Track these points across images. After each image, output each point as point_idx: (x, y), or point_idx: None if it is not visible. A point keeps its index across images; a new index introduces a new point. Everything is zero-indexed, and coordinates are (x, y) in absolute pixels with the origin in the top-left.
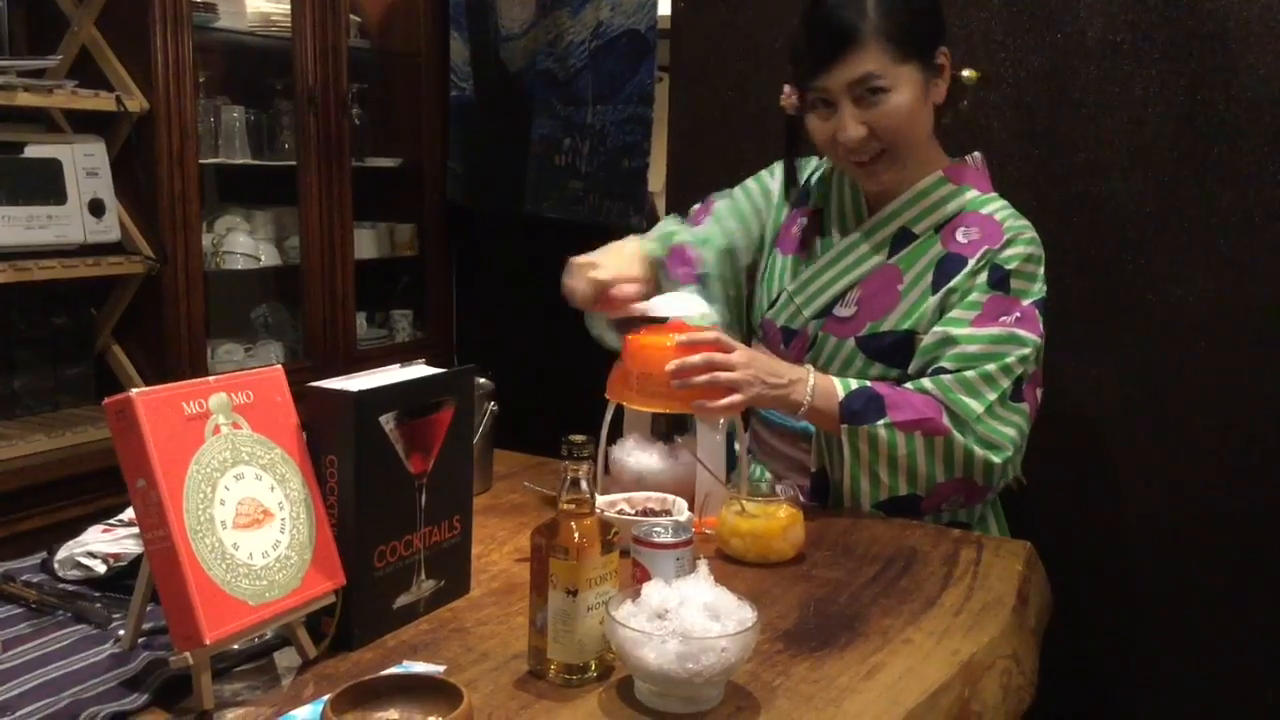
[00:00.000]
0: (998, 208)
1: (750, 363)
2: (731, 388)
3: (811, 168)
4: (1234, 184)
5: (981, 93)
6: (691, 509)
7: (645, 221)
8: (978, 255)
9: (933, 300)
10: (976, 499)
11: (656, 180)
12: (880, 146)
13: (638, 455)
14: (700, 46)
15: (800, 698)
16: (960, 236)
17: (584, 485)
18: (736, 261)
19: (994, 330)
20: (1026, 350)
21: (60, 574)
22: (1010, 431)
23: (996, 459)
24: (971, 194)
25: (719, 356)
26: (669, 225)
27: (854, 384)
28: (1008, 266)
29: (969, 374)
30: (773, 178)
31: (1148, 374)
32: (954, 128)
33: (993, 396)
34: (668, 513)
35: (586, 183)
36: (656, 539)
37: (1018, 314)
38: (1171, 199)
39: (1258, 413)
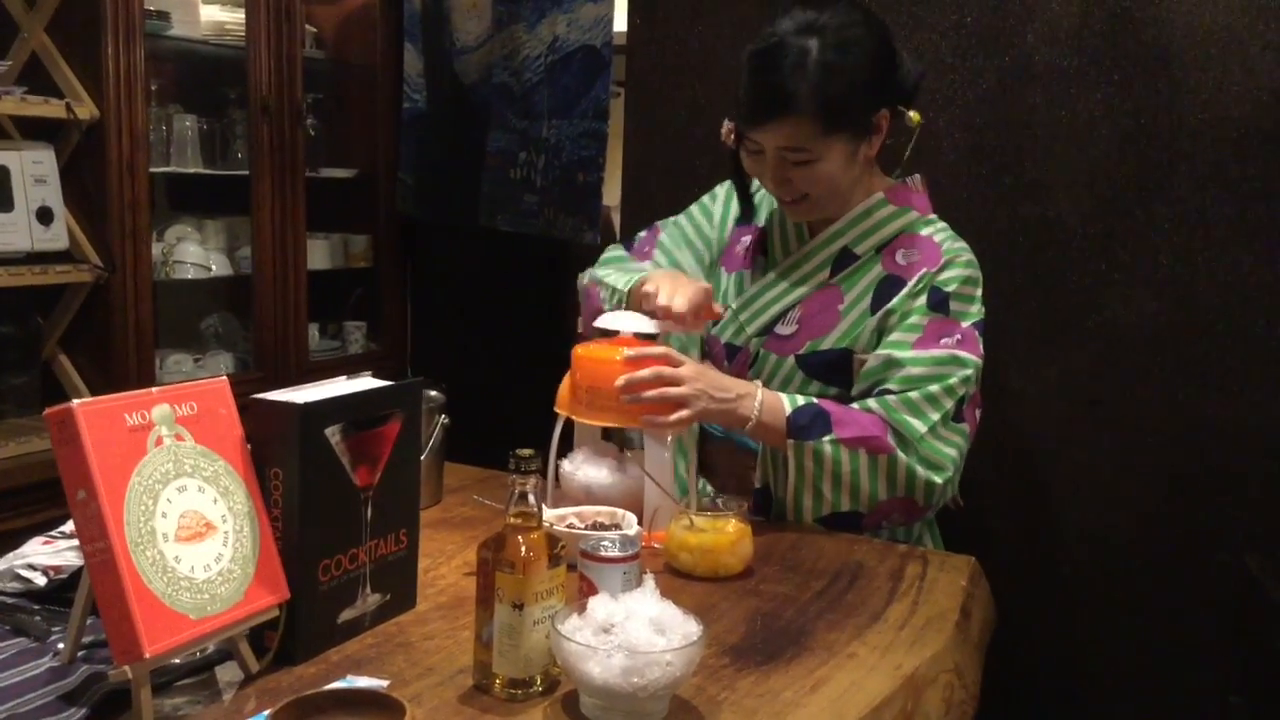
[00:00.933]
0: (936, 229)
1: (698, 377)
2: (680, 402)
3: (756, 186)
4: (1176, 204)
5: (932, 113)
6: (640, 523)
7: (599, 236)
8: (916, 277)
9: (871, 321)
10: (915, 517)
11: (612, 195)
12: (803, 194)
13: (586, 469)
14: (655, 63)
15: (745, 711)
16: (900, 259)
17: (531, 499)
18: None
19: (936, 353)
20: (968, 371)
21: None
22: (951, 452)
23: (938, 479)
24: (912, 215)
25: (667, 371)
26: (615, 253)
27: (801, 400)
28: (947, 289)
29: (913, 395)
30: (714, 201)
31: (1091, 391)
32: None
33: (935, 417)
34: (617, 527)
35: (542, 197)
36: (603, 553)
37: (958, 336)
38: (1116, 219)
39: (1198, 429)
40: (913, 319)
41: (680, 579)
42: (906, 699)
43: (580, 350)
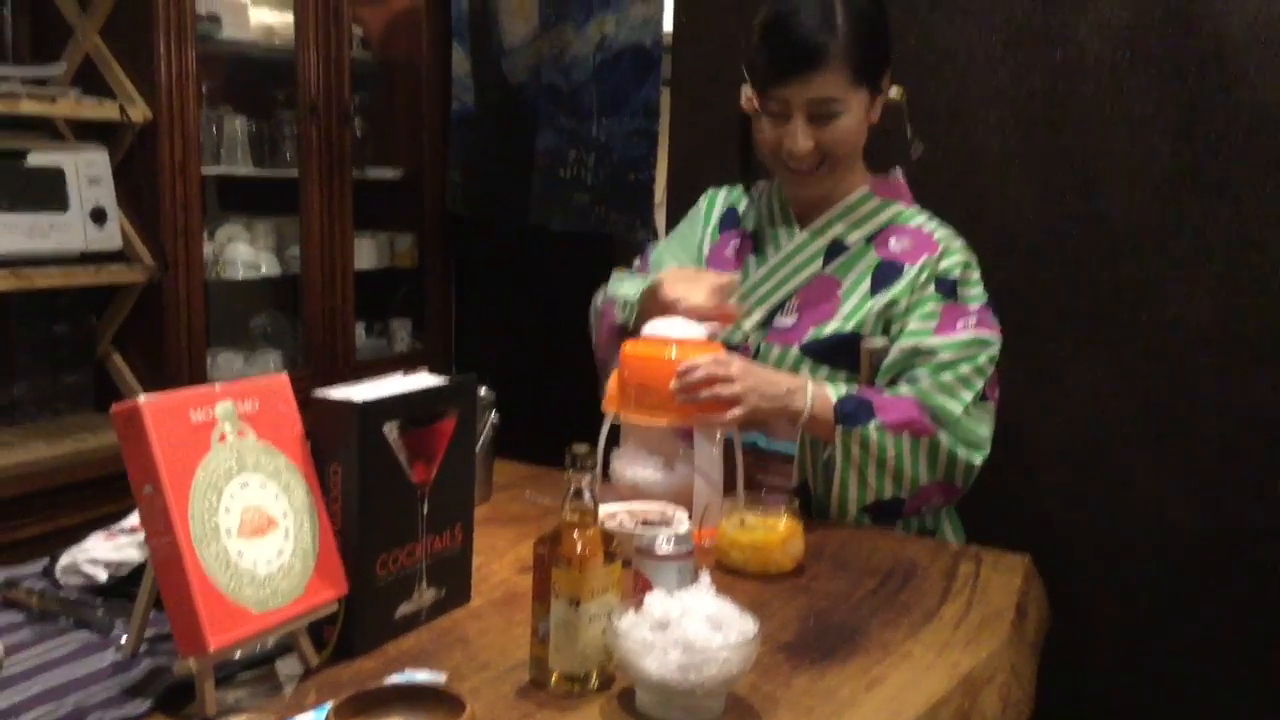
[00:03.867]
0: (924, 220)
1: (748, 375)
2: (732, 400)
3: (734, 197)
4: (1230, 200)
5: (981, 109)
6: (689, 520)
7: (651, 234)
8: (919, 264)
9: (873, 304)
10: (951, 499)
11: (658, 192)
12: (821, 158)
13: (635, 467)
14: (702, 61)
15: (801, 709)
16: (893, 245)
17: (587, 496)
18: None
19: (960, 336)
20: (994, 350)
21: (62, 581)
22: (986, 431)
23: (977, 459)
24: (898, 208)
25: (719, 370)
26: (620, 275)
27: (843, 388)
28: (952, 275)
29: (945, 377)
30: (696, 211)
31: (1143, 389)
32: (950, 144)
33: (969, 397)
34: (667, 524)
35: (593, 195)
36: (659, 550)
37: (974, 318)
38: (1168, 215)
39: (1253, 426)
40: (927, 307)
41: (731, 576)
42: (964, 698)
43: (629, 348)
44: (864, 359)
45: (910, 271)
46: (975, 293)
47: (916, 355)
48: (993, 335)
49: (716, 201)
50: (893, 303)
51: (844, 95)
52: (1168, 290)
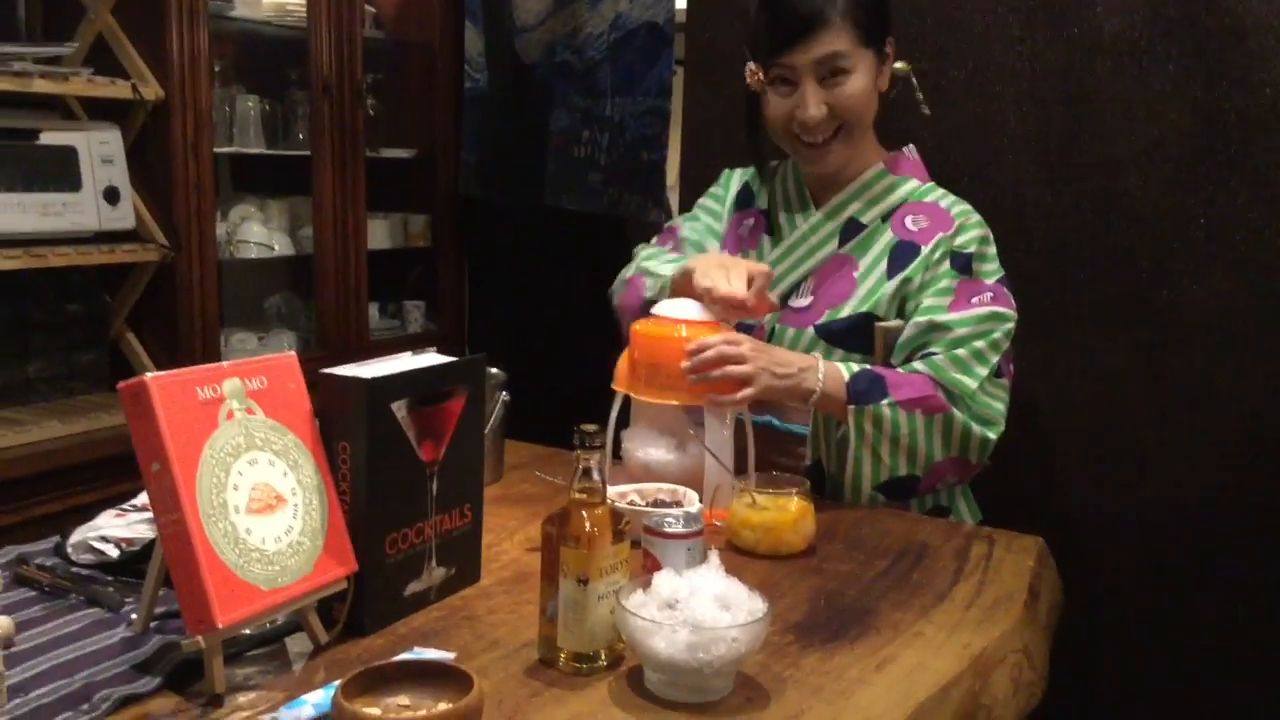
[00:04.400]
0: (939, 195)
1: (760, 354)
2: (744, 380)
3: (749, 176)
4: (1250, 181)
5: (999, 86)
6: (701, 500)
7: (664, 214)
8: (933, 243)
9: (888, 286)
10: (967, 476)
11: (670, 173)
12: (836, 125)
13: (646, 446)
14: (715, 40)
15: (810, 689)
16: (910, 224)
17: (595, 475)
18: None
19: (975, 311)
20: (1009, 325)
21: (73, 558)
22: (1000, 406)
23: (992, 434)
24: (913, 184)
25: (730, 350)
26: (651, 249)
27: (855, 366)
28: (967, 250)
29: (959, 352)
30: (719, 187)
31: (1161, 371)
32: (967, 122)
33: (984, 372)
34: (678, 504)
35: (606, 175)
36: (668, 529)
37: (989, 293)
38: (1187, 196)
39: (1271, 409)
40: (942, 284)
41: (742, 557)
42: (974, 679)
43: (639, 327)
44: (879, 340)
45: (925, 250)
46: (991, 268)
47: (931, 331)
48: (1008, 310)
49: (733, 181)
50: (907, 280)
51: (850, 51)
52: (1186, 270)
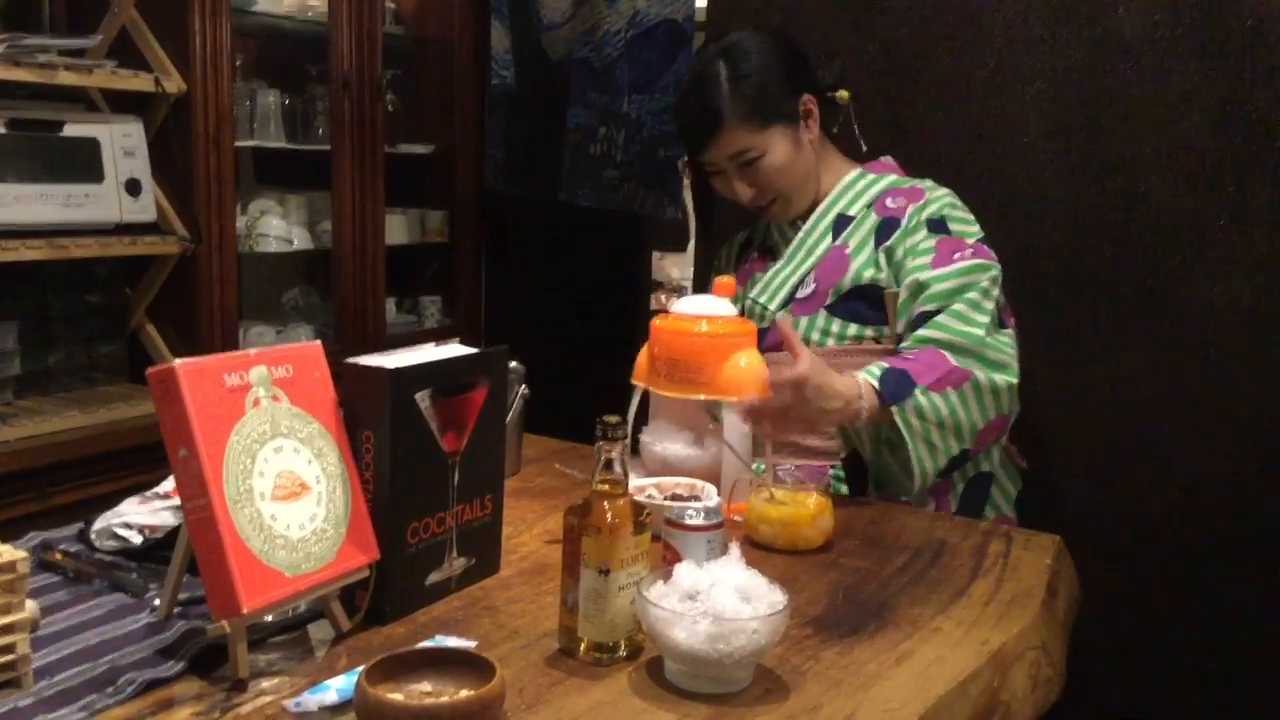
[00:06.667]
0: (916, 180)
1: (813, 397)
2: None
3: (740, 238)
4: (1271, 181)
5: (1019, 86)
6: (719, 495)
7: (680, 212)
8: (907, 214)
9: (879, 255)
10: (1004, 429)
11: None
12: (769, 197)
13: (665, 441)
14: None
15: (829, 682)
16: (890, 203)
17: (617, 466)
18: None
19: (960, 265)
20: (994, 272)
21: (97, 544)
22: (1011, 350)
23: (1011, 378)
24: (892, 176)
25: (795, 402)
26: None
27: (876, 370)
28: (939, 214)
29: (957, 306)
30: (719, 259)
31: (1180, 371)
32: (988, 122)
33: (985, 320)
34: (696, 498)
35: (622, 171)
36: (689, 521)
37: (969, 249)
38: (1208, 196)
39: None
40: (922, 246)
41: (760, 551)
42: (993, 674)
43: (659, 322)
44: (889, 305)
45: (903, 221)
46: (969, 229)
47: (920, 289)
48: (990, 261)
49: (729, 249)
50: (890, 250)
51: (755, 143)
52: (1205, 271)
